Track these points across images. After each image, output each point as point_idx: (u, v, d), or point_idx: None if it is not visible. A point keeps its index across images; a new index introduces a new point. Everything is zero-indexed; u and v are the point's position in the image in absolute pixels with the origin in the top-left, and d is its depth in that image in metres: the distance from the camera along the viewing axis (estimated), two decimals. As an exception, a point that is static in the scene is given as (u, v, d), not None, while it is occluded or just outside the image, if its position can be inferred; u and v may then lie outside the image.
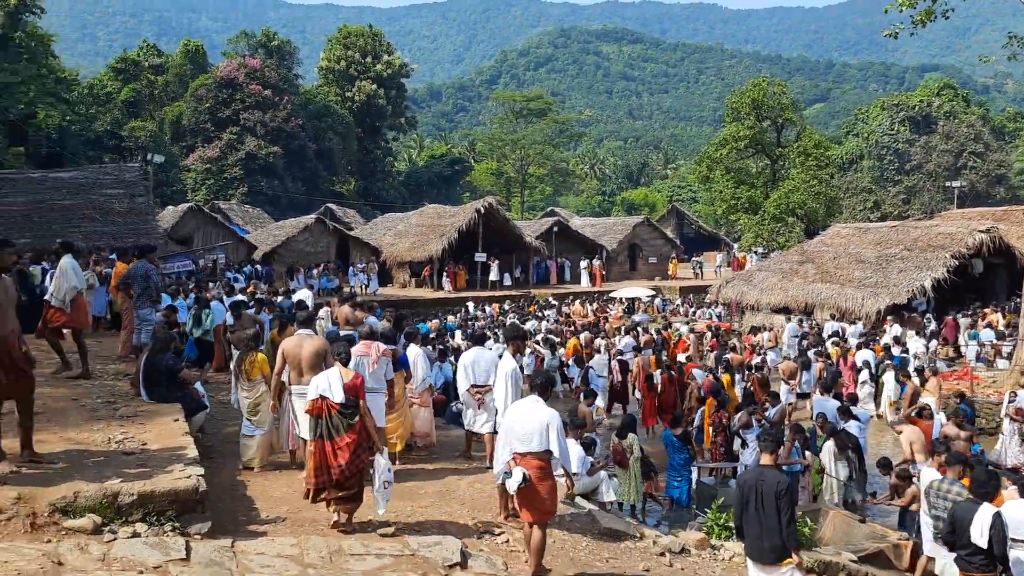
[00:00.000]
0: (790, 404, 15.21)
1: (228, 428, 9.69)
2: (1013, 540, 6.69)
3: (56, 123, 48.78)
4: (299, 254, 38.04)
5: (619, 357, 17.96)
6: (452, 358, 14.64)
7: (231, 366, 9.59)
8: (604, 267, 41.55)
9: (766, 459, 6.56)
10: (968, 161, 62.00)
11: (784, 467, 9.65)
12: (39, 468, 6.42)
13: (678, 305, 35.31)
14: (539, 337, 21.51)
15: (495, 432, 8.22)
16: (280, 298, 17.13)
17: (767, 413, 12.87)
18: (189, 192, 60.22)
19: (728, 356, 17.46)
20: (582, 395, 13.51)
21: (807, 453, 11.34)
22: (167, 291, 14.25)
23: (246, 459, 8.47)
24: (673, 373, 16.13)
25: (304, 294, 16.73)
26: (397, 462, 8.60)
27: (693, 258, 48.30)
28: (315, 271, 34.99)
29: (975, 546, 6.61)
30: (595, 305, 32.91)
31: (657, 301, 34.97)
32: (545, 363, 18.35)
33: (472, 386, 8.96)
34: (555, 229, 42.53)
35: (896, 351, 18.64)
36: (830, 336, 21.01)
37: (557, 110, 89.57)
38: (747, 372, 16.94)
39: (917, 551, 8.85)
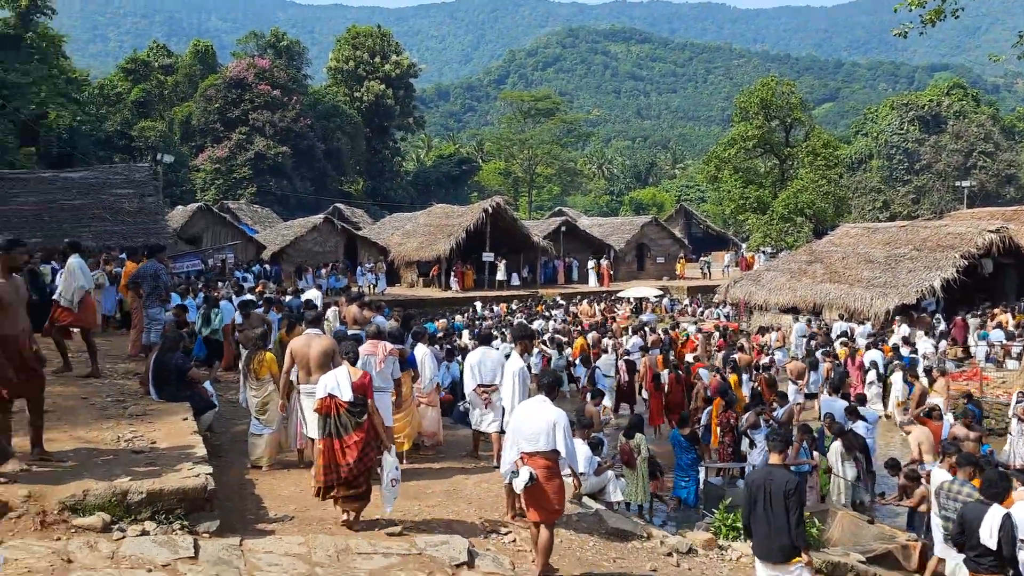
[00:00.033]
0: (798, 404, 15.19)
1: (236, 427, 9.73)
2: (1022, 541, 6.66)
3: (67, 123, 49.05)
4: (307, 254, 38.15)
5: (626, 357, 17.94)
6: (459, 357, 14.66)
7: (240, 365, 9.63)
8: (612, 267, 41.49)
9: (775, 458, 6.55)
10: (978, 161, 61.68)
11: (792, 468, 9.64)
12: (49, 466, 6.46)
13: (686, 305, 35.24)
14: (545, 337, 21.51)
15: (502, 431, 8.23)
16: (288, 297, 17.19)
17: (775, 413, 12.84)
18: (198, 192, 60.46)
19: (735, 356, 17.42)
20: (589, 395, 13.51)
21: (815, 453, 11.32)
22: (176, 290, 14.31)
23: (254, 458, 8.50)
24: (680, 373, 16.10)
25: (313, 294, 16.79)
26: (404, 461, 8.61)
27: (701, 258, 48.19)
28: (323, 271, 35.08)
29: (984, 547, 6.58)
30: (603, 305, 32.87)
31: (665, 301, 34.91)
32: (552, 363, 18.35)
33: (479, 385, 8.98)
34: (563, 229, 42.51)
35: (905, 351, 18.57)
36: (839, 336, 20.93)
37: (565, 110, 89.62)
38: (754, 372, 16.90)
39: (926, 552, 8.82)
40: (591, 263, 40.93)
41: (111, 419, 8.12)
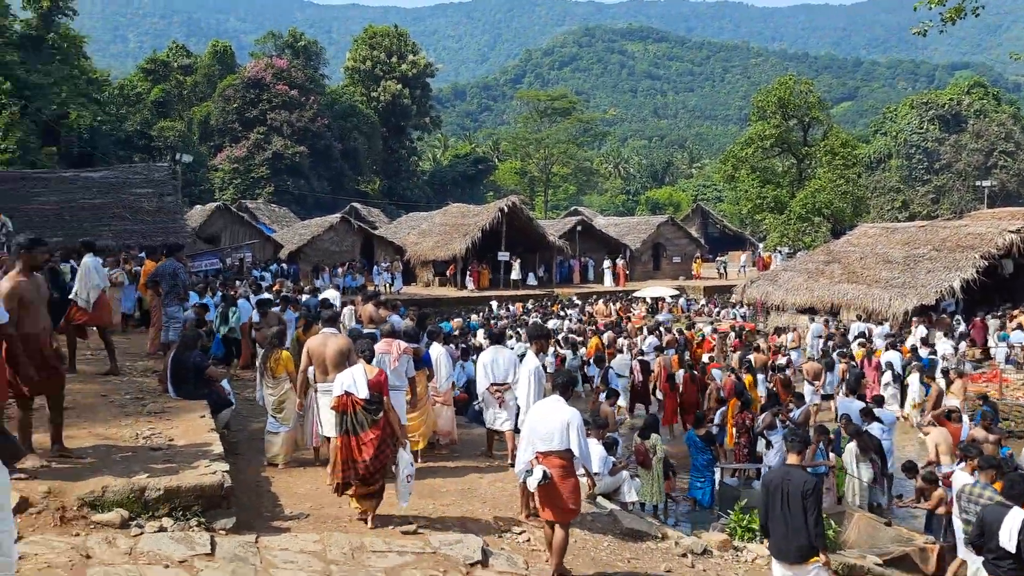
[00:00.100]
0: (815, 405, 15.10)
1: (253, 425, 9.80)
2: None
3: (87, 123, 49.48)
4: (324, 253, 38.31)
5: (640, 357, 17.89)
6: (475, 357, 14.67)
7: (256, 363, 9.69)
8: (628, 266, 41.41)
9: (793, 459, 6.53)
10: (999, 160, 61.02)
11: (809, 469, 9.59)
12: (68, 463, 6.54)
13: (703, 305, 35.12)
14: (559, 336, 21.49)
15: (516, 430, 8.24)
16: (305, 296, 17.27)
17: (791, 414, 12.77)
18: (217, 191, 60.88)
19: (751, 356, 17.34)
20: (604, 395, 13.49)
21: (831, 455, 11.25)
22: (195, 289, 14.43)
23: (270, 456, 8.56)
24: (695, 373, 16.05)
25: (332, 294, 16.83)
26: (419, 460, 8.65)
27: (717, 258, 47.97)
28: (340, 270, 35.21)
29: (1003, 550, 6.51)
30: (618, 305, 32.81)
31: (681, 301, 34.80)
32: (566, 363, 18.33)
33: (492, 384, 9.00)
34: (579, 228, 42.45)
35: (924, 352, 18.41)
36: (856, 337, 20.78)
37: (581, 109, 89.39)
38: (770, 373, 16.81)
39: (944, 555, 8.75)
40: (607, 263, 40.86)
41: (130, 416, 8.20)
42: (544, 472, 6.27)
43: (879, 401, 13.67)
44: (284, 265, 34.88)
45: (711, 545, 7.99)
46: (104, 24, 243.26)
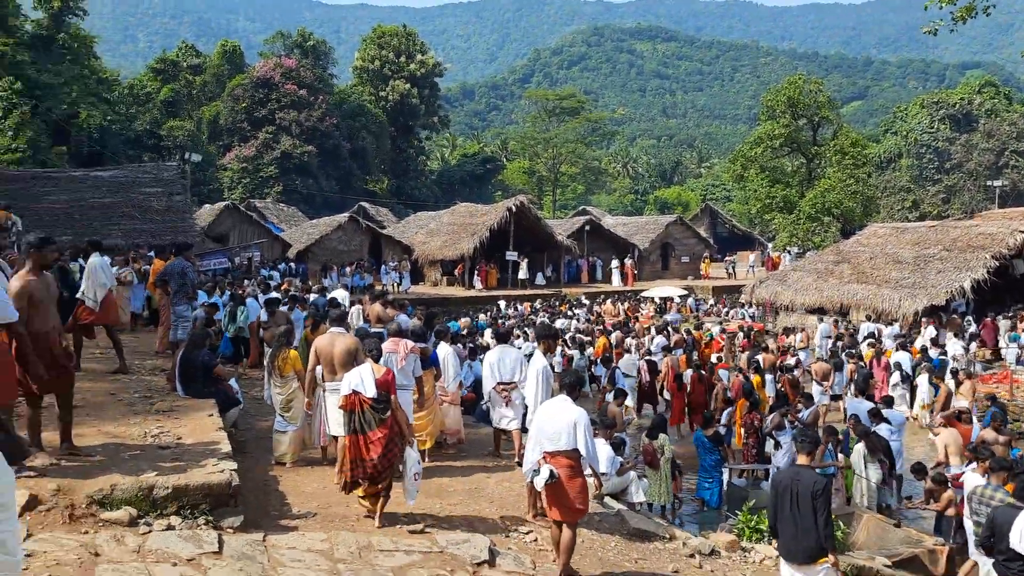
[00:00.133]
0: (824, 405, 15.05)
1: (261, 424, 9.82)
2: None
3: (97, 123, 49.71)
4: (332, 252, 38.38)
5: (647, 357, 17.86)
6: (482, 356, 14.67)
7: (264, 362, 9.72)
8: (636, 266, 41.32)
9: (803, 459, 6.51)
10: (1010, 160, 60.64)
11: (818, 470, 9.55)
12: (77, 461, 6.57)
13: (712, 305, 35.03)
14: (567, 336, 21.47)
15: (523, 429, 8.24)
16: (313, 296, 17.30)
17: (800, 415, 12.73)
18: (225, 191, 61.09)
19: (759, 357, 17.29)
20: (612, 395, 13.46)
21: (840, 455, 11.21)
22: (204, 288, 14.48)
23: (278, 454, 8.58)
24: (703, 373, 16.01)
25: (340, 294, 16.87)
26: (427, 459, 8.66)
27: (726, 258, 47.85)
28: (348, 269, 35.27)
29: (1013, 552, 6.47)
30: (627, 304, 32.76)
31: (690, 301, 34.72)
32: (573, 363, 18.31)
33: (498, 383, 9.00)
34: (587, 228, 42.39)
35: (934, 353, 18.32)
36: (866, 337, 20.69)
37: (590, 108, 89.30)
38: (779, 373, 16.77)
39: (953, 557, 8.70)
40: (615, 262, 40.80)
41: (138, 415, 8.23)
42: (551, 471, 6.26)
43: (888, 402, 13.61)
44: (292, 264, 34.96)
45: (719, 546, 7.97)
46: (114, 24, 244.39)
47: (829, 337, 22.21)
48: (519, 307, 31.12)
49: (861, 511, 10.27)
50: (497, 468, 8.99)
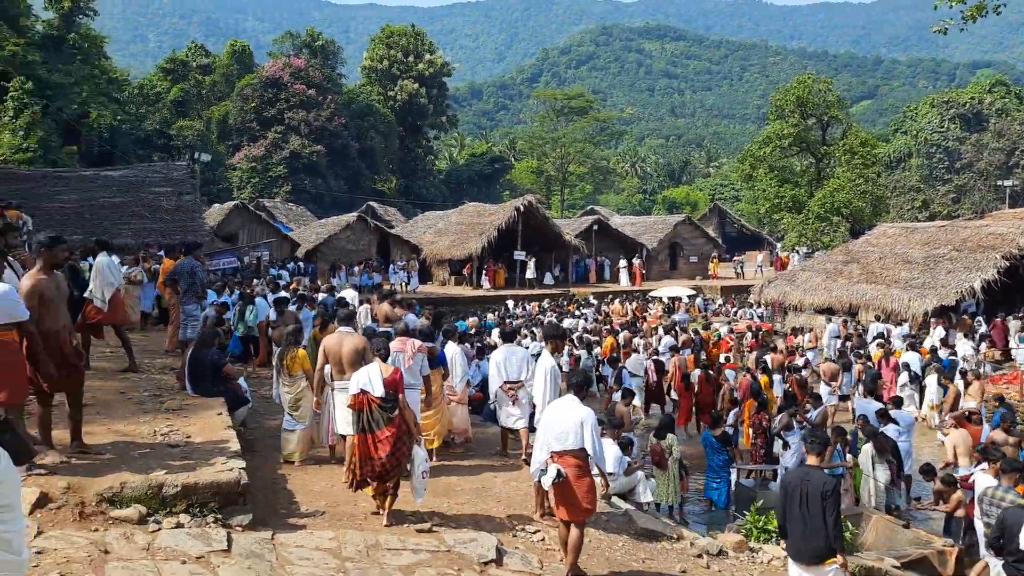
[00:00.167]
0: (832, 406, 15.00)
1: (270, 422, 9.85)
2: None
3: (107, 122, 49.96)
4: (341, 251, 38.43)
5: (654, 357, 17.84)
6: (490, 355, 14.68)
7: (273, 361, 9.75)
8: (644, 266, 41.26)
9: (812, 460, 6.50)
10: (1020, 160, 60.25)
11: (826, 470, 9.52)
12: (87, 459, 6.61)
13: (720, 305, 34.97)
14: (574, 336, 21.46)
15: (531, 428, 8.24)
16: (322, 295, 17.35)
17: (809, 415, 12.70)
18: (235, 190, 61.29)
19: (767, 357, 17.25)
20: (620, 395, 13.45)
21: (848, 456, 11.17)
22: (213, 287, 14.53)
23: (287, 453, 8.60)
24: (711, 373, 15.98)
25: (349, 293, 16.91)
26: (435, 459, 8.67)
27: (734, 258, 47.71)
28: (356, 268, 35.33)
29: (1023, 553, 6.45)
30: (635, 304, 32.73)
31: (699, 301, 34.66)
32: (581, 362, 18.30)
33: (505, 382, 9.01)
34: (595, 227, 42.34)
35: (944, 354, 18.24)
36: (875, 338, 20.62)
37: (598, 108, 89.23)
38: (787, 373, 16.74)
39: (962, 558, 8.67)
40: (623, 262, 40.75)
41: (148, 413, 8.27)
42: (558, 471, 6.27)
43: (897, 402, 13.56)
44: (301, 264, 35.06)
45: (727, 546, 7.96)
46: (124, 24, 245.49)
47: (838, 337, 22.13)
48: (527, 307, 31.12)
49: (870, 512, 10.24)
50: (504, 467, 9.00)
